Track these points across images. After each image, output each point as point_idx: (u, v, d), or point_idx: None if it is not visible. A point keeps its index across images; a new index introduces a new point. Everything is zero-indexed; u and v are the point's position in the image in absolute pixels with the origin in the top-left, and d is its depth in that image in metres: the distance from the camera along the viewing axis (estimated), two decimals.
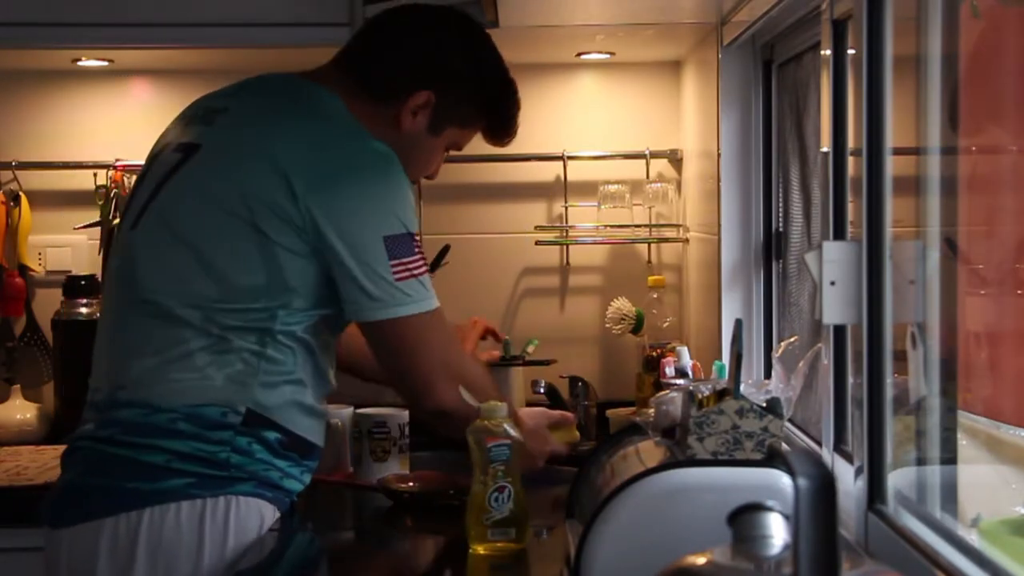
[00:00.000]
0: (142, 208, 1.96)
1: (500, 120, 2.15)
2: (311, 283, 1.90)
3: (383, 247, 1.88)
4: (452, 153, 3.14)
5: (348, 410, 2.45)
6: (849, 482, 1.59)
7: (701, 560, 0.99)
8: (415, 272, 1.92)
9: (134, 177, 2.50)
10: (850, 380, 1.66)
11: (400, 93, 2.01)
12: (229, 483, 1.87)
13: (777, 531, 0.98)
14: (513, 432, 1.86)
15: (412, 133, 2.04)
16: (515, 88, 2.16)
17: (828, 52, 1.79)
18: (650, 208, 3.13)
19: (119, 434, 1.87)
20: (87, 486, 1.89)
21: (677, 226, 3.12)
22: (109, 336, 1.98)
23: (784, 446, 1.66)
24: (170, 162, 1.96)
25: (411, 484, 2.26)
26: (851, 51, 1.67)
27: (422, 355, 1.96)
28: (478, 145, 3.17)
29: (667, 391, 1.81)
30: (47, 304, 3.10)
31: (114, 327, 1.97)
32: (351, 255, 1.88)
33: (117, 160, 3.05)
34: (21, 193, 3.11)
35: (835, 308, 1.54)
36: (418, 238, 1.94)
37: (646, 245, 3.18)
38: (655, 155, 3.15)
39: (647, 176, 3.14)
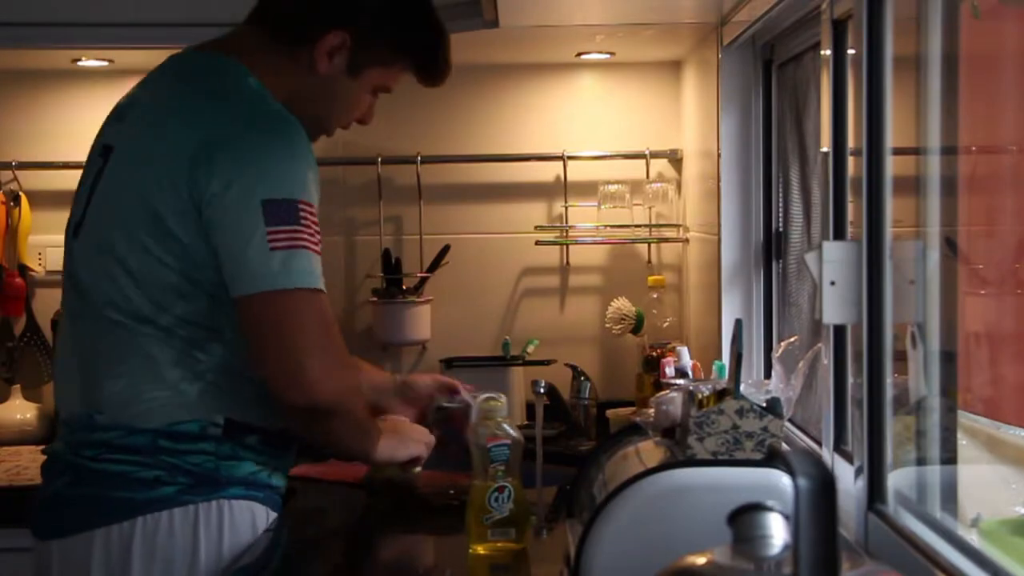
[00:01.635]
0: (80, 218, 1.92)
1: (426, 59, 2.02)
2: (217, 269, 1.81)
3: (260, 212, 1.74)
4: (452, 153, 3.17)
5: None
6: (849, 482, 1.59)
7: (701, 560, 0.99)
8: (296, 243, 1.74)
9: None
10: (850, 380, 1.66)
11: (312, 35, 1.91)
12: (221, 487, 1.85)
13: (777, 531, 0.98)
14: (513, 432, 1.86)
15: (331, 76, 1.93)
16: (439, 23, 2.02)
17: (828, 52, 1.79)
18: (650, 208, 3.13)
19: (103, 453, 1.84)
20: (75, 496, 1.85)
21: (677, 226, 3.12)
22: (73, 350, 1.92)
23: (784, 446, 1.66)
24: (95, 167, 1.93)
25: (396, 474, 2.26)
26: (851, 51, 1.67)
27: (294, 337, 1.76)
28: (478, 145, 3.19)
29: (667, 391, 1.81)
30: (47, 304, 3.11)
31: (76, 341, 1.92)
32: (226, 221, 1.76)
33: None
34: (21, 193, 3.11)
35: (835, 308, 1.54)
36: (308, 209, 1.77)
37: (646, 245, 3.18)
38: (655, 155, 3.15)
39: (647, 176, 3.14)
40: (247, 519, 1.88)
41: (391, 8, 1.97)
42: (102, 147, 1.93)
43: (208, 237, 1.78)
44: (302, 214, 1.76)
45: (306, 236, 1.76)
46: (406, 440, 2.05)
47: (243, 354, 1.83)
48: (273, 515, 1.93)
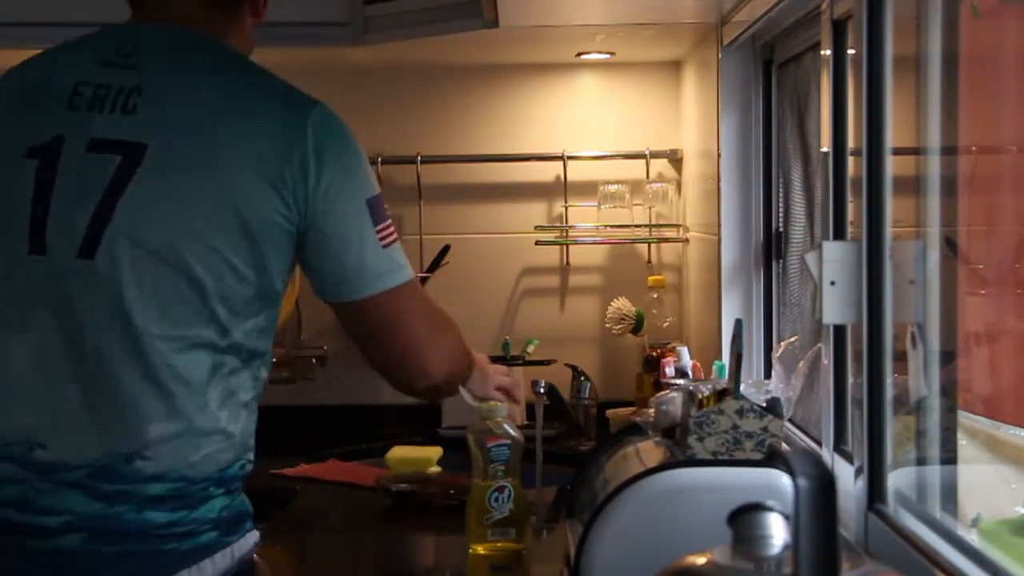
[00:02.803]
0: (98, 231, 1.63)
1: None
2: (283, 277, 1.72)
3: (368, 213, 1.70)
4: (452, 153, 3.17)
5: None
6: (849, 482, 1.59)
7: (701, 560, 0.99)
8: (394, 238, 1.74)
9: None
10: (850, 380, 1.66)
11: None
12: (243, 521, 1.73)
13: (777, 531, 0.98)
14: (513, 432, 1.86)
15: (258, 23, 1.86)
16: None
17: (828, 52, 1.79)
18: (650, 208, 3.13)
19: (144, 509, 1.62)
20: (106, 553, 1.62)
21: (677, 226, 3.12)
22: (85, 386, 1.64)
23: (784, 446, 1.66)
24: (108, 169, 1.64)
25: (411, 484, 2.26)
26: (851, 51, 1.67)
27: (417, 330, 1.78)
28: (478, 145, 3.19)
29: (667, 391, 1.82)
30: None
31: (83, 375, 1.64)
32: (339, 229, 1.69)
33: None
34: None
35: (835, 308, 1.54)
36: (383, 200, 1.75)
37: (646, 245, 3.18)
38: (655, 155, 3.15)
39: (647, 176, 3.14)
40: (255, 547, 1.76)
41: None
42: (108, 143, 1.66)
43: (300, 244, 1.68)
44: (385, 206, 1.75)
45: (393, 227, 1.75)
46: (489, 376, 2.07)
47: (263, 381, 1.74)
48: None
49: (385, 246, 1.72)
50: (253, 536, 1.74)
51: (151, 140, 1.65)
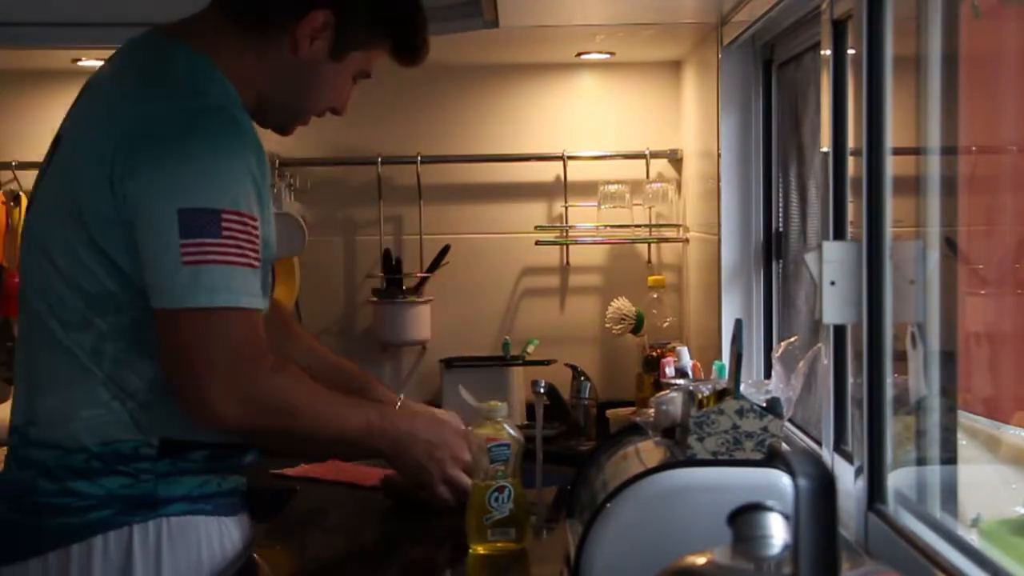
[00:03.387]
0: (27, 216, 1.85)
1: (407, 39, 1.92)
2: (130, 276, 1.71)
3: (176, 222, 1.61)
4: (452, 153, 3.17)
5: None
6: (849, 482, 1.59)
7: (701, 560, 0.99)
8: (212, 258, 1.62)
9: None
10: (850, 380, 1.66)
11: (294, 15, 1.77)
12: (159, 506, 1.73)
13: (777, 531, 0.98)
14: (513, 432, 1.86)
15: (312, 60, 1.81)
16: (418, 2, 1.92)
17: (828, 52, 1.79)
18: (650, 208, 3.13)
19: (37, 477, 1.74)
20: (14, 523, 1.76)
21: (677, 226, 3.12)
22: (21, 360, 1.84)
23: (784, 446, 1.66)
24: (46, 161, 1.82)
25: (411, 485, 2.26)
26: (851, 51, 1.67)
27: (195, 359, 1.65)
28: (478, 145, 3.19)
29: (667, 391, 1.81)
30: None
31: (23, 351, 1.83)
32: (146, 229, 1.64)
33: None
34: (21, 193, 3.11)
35: (835, 308, 1.54)
36: (232, 219, 1.63)
37: (646, 245, 3.18)
38: (655, 155, 3.15)
39: (647, 176, 3.14)
40: (191, 536, 1.76)
41: None
42: (56, 137, 1.82)
43: (132, 245, 1.67)
44: (224, 224, 1.63)
45: (227, 249, 1.63)
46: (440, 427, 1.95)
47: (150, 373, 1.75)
48: (230, 521, 1.82)
49: (187, 263, 1.62)
50: (184, 522, 1.75)
51: (63, 135, 1.80)
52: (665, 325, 3.00)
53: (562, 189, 3.16)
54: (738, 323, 1.80)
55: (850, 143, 1.67)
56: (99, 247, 1.68)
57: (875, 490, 1.53)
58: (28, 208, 1.86)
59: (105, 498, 1.72)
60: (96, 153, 1.68)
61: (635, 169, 3.15)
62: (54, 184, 1.77)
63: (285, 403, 1.74)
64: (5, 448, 1.85)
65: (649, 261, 3.19)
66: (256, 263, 1.68)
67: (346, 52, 1.84)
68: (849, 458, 1.65)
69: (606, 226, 3.16)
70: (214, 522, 1.78)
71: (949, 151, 1.44)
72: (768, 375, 1.90)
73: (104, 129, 1.70)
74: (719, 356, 2.39)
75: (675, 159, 3.16)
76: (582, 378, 2.96)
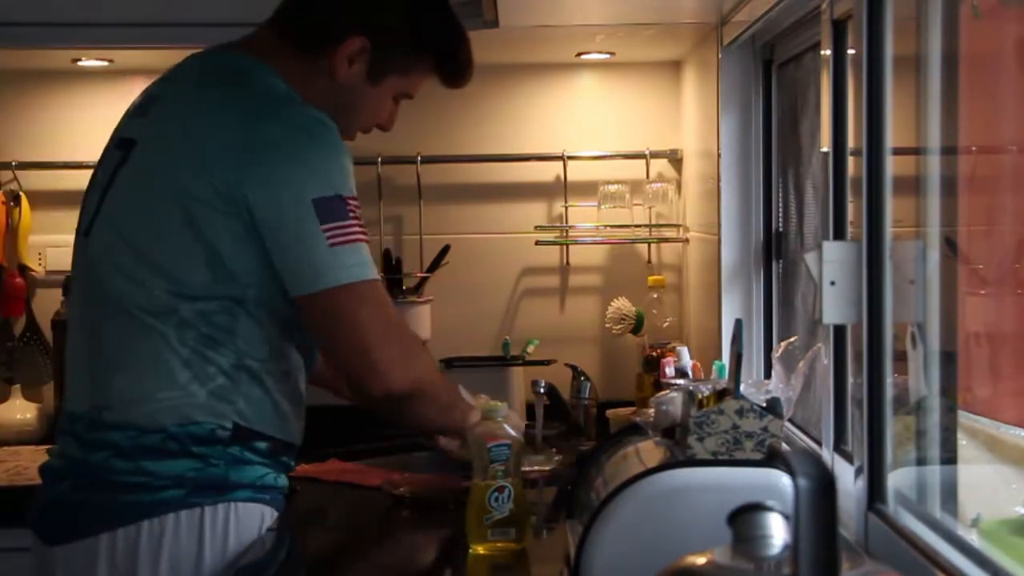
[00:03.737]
0: (94, 213, 1.91)
1: (447, 61, 2.03)
2: (255, 270, 1.82)
3: (312, 211, 1.77)
4: (452, 153, 3.17)
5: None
6: (849, 482, 1.59)
7: (701, 560, 0.99)
8: (350, 237, 1.80)
9: None
10: (850, 380, 1.66)
11: (332, 40, 1.91)
12: (228, 490, 1.85)
13: (777, 531, 0.98)
14: (513, 432, 1.86)
15: (350, 83, 1.94)
16: (458, 24, 2.04)
17: (828, 52, 1.79)
18: (650, 208, 3.13)
19: (111, 457, 1.83)
20: (81, 502, 1.84)
21: (677, 226, 3.12)
22: (85, 348, 1.91)
23: (784, 446, 1.66)
24: (112, 161, 1.91)
25: (410, 487, 2.27)
26: (851, 51, 1.67)
27: (364, 330, 1.81)
28: (478, 145, 3.19)
29: (667, 391, 1.81)
30: (47, 304, 3.11)
31: (89, 338, 1.90)
32: (281, 223, 1.79)
33: None
34: (21, 193, 3.11)
35: (835, 308, 1.54)
36: (353, 203, 1.82)
37: (646, 245, 3.18)
38: (655, 155, 3.15)
39: (647, 176, 3.14)
40: (254, 522, 1.87)
41: (410, 12, 1.97)
42: (119, 140, 1.92)
43: (253, 238, 1.80)
44: (350, 208, 1.81)
45: (357, 229, 1.81)
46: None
47: (258, 360, 1.86)
48: (276, 515, 1.92)
49: (332, 245, 1.78)
50: (249, 508, 1.86)
51: (139, 137, 1.89)
52: (665, 325, 3.00)
53: (562, 189, 3.16)
54: (738, 323, 1.80)
55: (850, 143, 1.67)
56: (202, 234, 1.79)
57: (875, 490, 1.53)
58: (95, 212, 1.91)
59: (178, 479, 1.81)
60: (202, 154, 1.80)
61: (635, 169, 3.15)
62: (142, 181, 1.86)
63: (434, 372, 1.96)
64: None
65: (649, 261, 3.19)
66: (368, 240, 1.86)
67: (384, 76, 1.96)
68: (849, 458, 1.65)
69: (606, 226, 3.16)
70: (271, 513, 1.90)
71: (949, 151, 1.44)
72: (768, 375, 1.90)
73: (209, 132, 1.82)
74: (719, 356, 2.39)
75: (675, 159, 3.16)
76: (582, 378, 2.95)
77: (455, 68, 2.04)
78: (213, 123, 1.83)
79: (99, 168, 1.95)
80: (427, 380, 1.93)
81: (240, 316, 1.84)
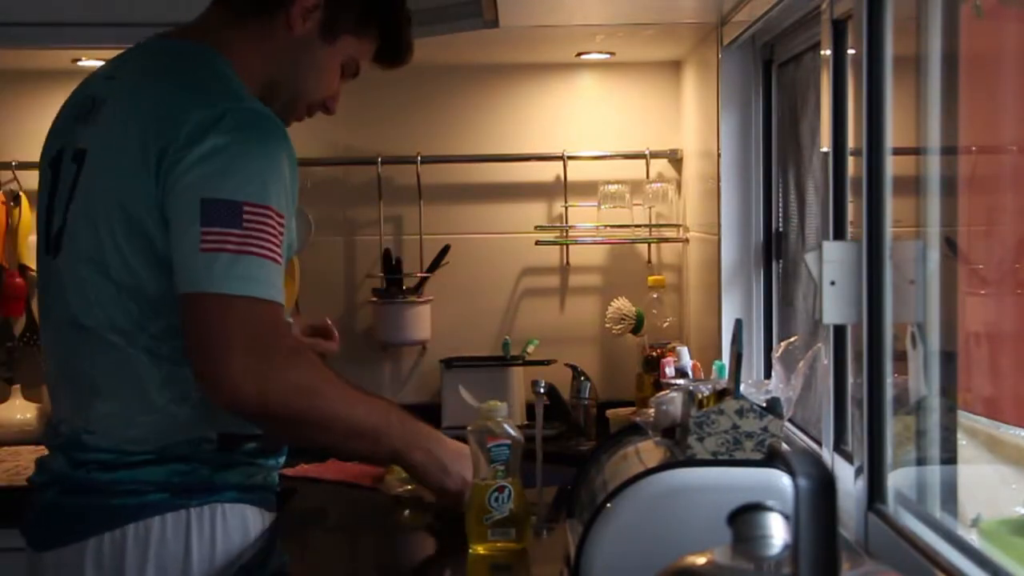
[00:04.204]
0: (59, 229, 1.83)
1: (394, 39, 2.03)
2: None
3: (198, 210, 1.67)
4: (452, 153, 3.17)
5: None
6: (849, 482, 1.59)
7: (701, 560, 0.99)
8: (230, 247, 1.66)
9: None
10: (850, 380, 1.66)
11: None
12: (214, 492, 1.83)
13: (777, 531, 0.98)
14: (513, 432, 1.85)
15: (306, 40, 1.90)
16: (407, 11, 2.06)
17: (828, 52, 1.79)
18: (650, 208, 3.13)
19: (95, 470, 1.81)
20: (66, 508, 1.83)
21: (677, 226, 3.12)
22: (61, 370, 1.87)
23: (784, 446, 1.66)
24: (70, 175, 1.83)
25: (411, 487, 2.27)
26: (851, 51, 1.67)
27: (212, 340, 1.68)
28: (478, 145, 3.19)
29: (667, 391, 1.81)
30: None
31: (65, 361, 1.86)
32: (174, 218, 1.71)
33: None
34: (21, 193, 3.11)
35: (835, 308, 1.54)
36: (256, 213, 1.68)
37: (646, 245, 3.18)
38: (655, 155, 3.15)
39: (647, 176, 3.14)
40: (239, 523, 1.85)
41: None
42: (77, 152, 1.83)
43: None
44: (245, 217, 1.67)
45: (249, 241, 1.67)
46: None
47: None
48: (268, 515, 1.91)
49: (201, 249, 1.67)
50: (236, 509, 1.84)
51: (89, 147, 1.82)
52: (665, 325, 3.00)
53: (562, 189, 3.16)
54: (738, 323, 1.80)
55: (850, 143, 1.67)
56: (155, 249, 1.74)
57: (875, 490, 1.53)
58: (60, 228, 1.83)
59: (163, 484, 1.80)
60: (141, 156, 1.73)
61: (635, 169, 3.15)
62: (97, 195, 1.78)
63: (304, 384, 1.75)
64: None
65: (649, 261, 3.19)
66: (279, 258, 1.71)
67: (338, 35, 1.95)
68: (849, 458, 1.65)
69: (606, 226, 3.16)
70: (258, 513, 1.89)
71: (949, 151, 1.44)
72: (768, 375, 1.89)
73: (145, 132, 1.74)
74: (719, 356, 2.39)
75: (675, 159, 3.16)
76: (582, 378, 2.96)
77: (398, 44, 2.05)
78: (149, 122, 1.75)
79: (51, 183, 1.87)
80: (298, 406, 1.74)
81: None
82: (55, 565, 1.83)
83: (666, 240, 3.15)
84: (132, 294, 1.76)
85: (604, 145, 3.19)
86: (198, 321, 1.69)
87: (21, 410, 3.07)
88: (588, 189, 3.13)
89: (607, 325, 3.03)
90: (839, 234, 1.73)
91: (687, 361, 2.35)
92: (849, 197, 1.70)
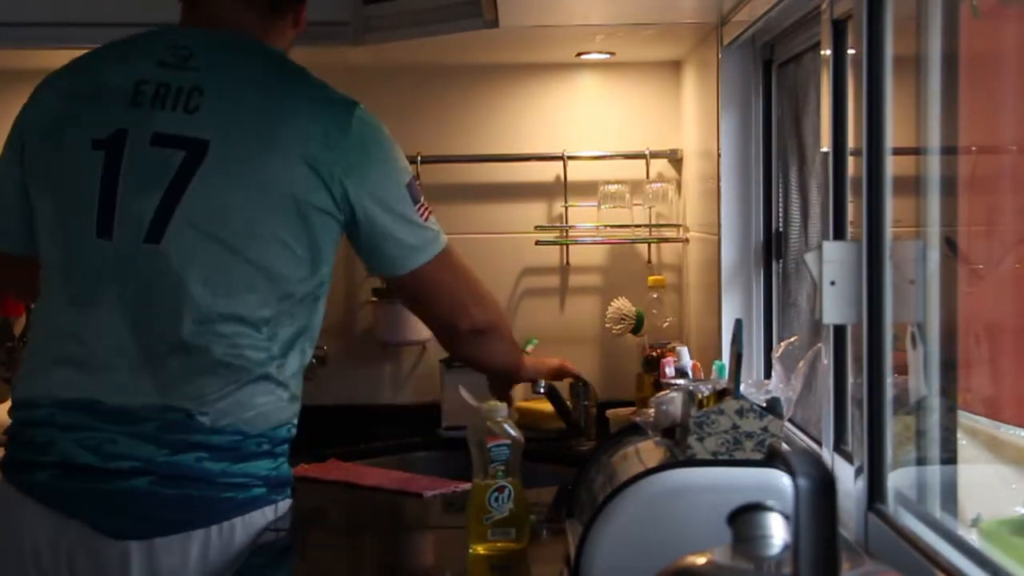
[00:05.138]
0: (155, 218, 1.84)
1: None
2: (332, 264, 1.96)
3: (408, 194, 1.96)
4: (452, 153, 3.17)
5: None
6: (849, 482, 1.59)
7: (701, 560, 0.99)
8: (429, 207, 2.01)
9: None
10: (850, 380, 1.66)
11: None
12: (287, 486, 1.97)
13: (777, 531, 0.98)
14: (513, 432, 1.86)
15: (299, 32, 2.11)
16: None
17: (828, 52, 1.79)
18: (650, 208, 3.13)
19: (204, 459, 1.84)
20: (169, 498, 1.84)
21: (677, 226, 3.12)
22: (135, 341, 1.86)
23: (784, 446, 1.66)
24: (172, 162, 1.85)
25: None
26: (851, 51, 1.67)
27: (463, 281, 2.08)
28: (478, 145, 3.19)
29: (667, 391, 1.81)
30: None
31: (145, 333, 1.86)
32: (387, 213, 1.93)
33: None
34: None
35: (835, 308, 1.54)
36: (416, 183, 2.02)
37: (646, 245, 3.18)
38: (655, 155, 3.15)
39: (647, 176, 3.14)
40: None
41: None
42: (175, 138, 1.85)
43: (341, 231, 1.93)
44: (417, 188, 2.01)
45: (428, 207, 2.02)
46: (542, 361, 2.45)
47: (311, 356, 1.98)
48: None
49: (424, 221, 1.99)
50: (288, 503, 1.97)
51: (213, 137, 1.85)
52: (665, 325, 3.00)
53: (562, 189, 3.16)
54: (738, 323, 1.80)
55: (850, 143, 1.67)
56: (313, 237, 1.89)
57: (875, 490, 1.53)
58: (165, 218, 1.85)
59: (261, 477, 1.90)
60: (295, 155, 1.86)
61: (635, 169, 3.15)
62: (239, 188, 1.86)
63: (503, 316, 2.23)
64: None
65: (649, 261, 3.19)
66: None
67: (300, 19, 2.11)
68: (849, 458, 1.65)
69: (606, 226, 3.16)
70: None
71: (949, 151, 1.44)
72: (768, 375, 1.90)
73: (292, 128, 1.88)
74: (719, 356, 2.39)
75: (675, 159, 3.16)
76: (581, 383, 2.95)
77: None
78: (294, 120, 1.89)
79: (140, 165, 1.86)
80: (500, 322, 2.19)
81: (314, 312, 1.96)
82: (145, 555, 1.83)
83: (666, 240, 3.15)
84: (274, 281, 1.87)
85: (604, 145, 3.19)
86: (445, 277, 2.04)
87: None
88: (588, 189, 3.13)
89: (607, 325, 3.03)
90: (839, 234, 1.73)
91: (687, 361, 2.35)
92: (849, 197, 1.70)
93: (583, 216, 3.17)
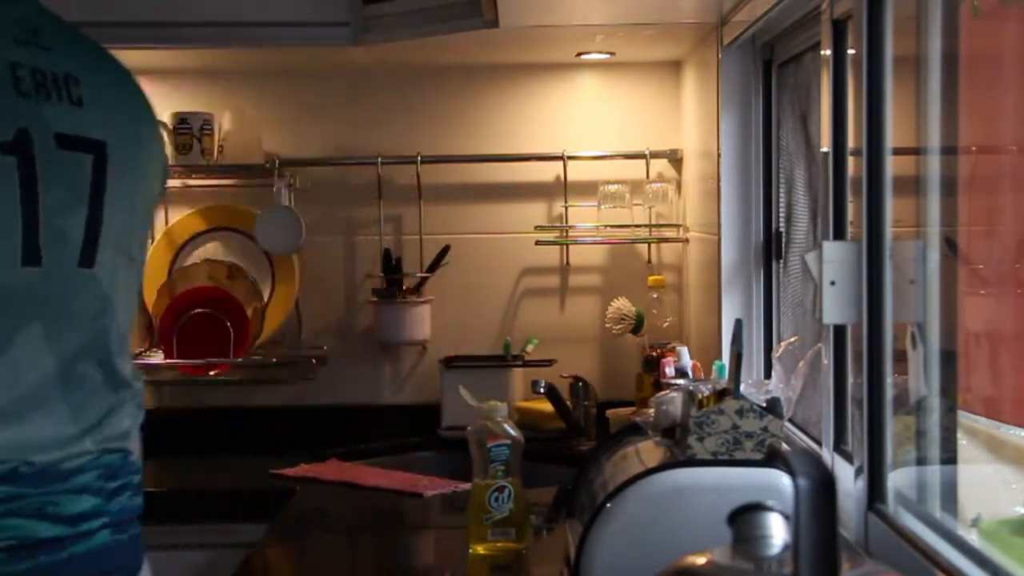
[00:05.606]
0: (85, 237, 1.54)
1: None
2: None
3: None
4: (452, 153, 3.17)
5: None
6: (849, 482, 1.59)
7: (701, 560, 0.99)
8: None
9: None
10: (850, 380, 1.66)
11: None
12: None
13: (777, 531, 0.98)
14: (513, 432, 1.86)
15: None
16: None
17: (828, 52, 1.79)
18: (650, 208, 3.13)
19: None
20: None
21: (677, 226, 3.12)
22: (58, 386, 1.52)
23: (784, 446, 1.66)
24: (86, 169, 1.55)
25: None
26: (851, 51, 1.67)
27: None
28: (478, 145, 3.19)
29: (667, 391, 1.82)
30: None
31: (63, 380, 1.52)
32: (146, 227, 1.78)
33: None
34: None
35: (835, 308, 1.54)
36: None
37: (646, 245, 3.18)
38: (655, 155, 3.15)
39: (647, 176, 3.14)
40: None
41: None
42: (78, 140, 1.54)
43: None
44: None
45: None
46: None
47: None
48: None
49: None
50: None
51: (106, 138, 1.57)
52: (665, 325, 3.00)
53: (562, 189, 3.16)
54: (738, 323, 1.80)
55: (850, 143, 1.67)
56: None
57: (875, 490, 1.53)
58: (95, 229, 1.57)
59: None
60: (159, 157, 1.74)
61: (635, 169, 3.15)
62: (131, 196, 1.63)
63: None
64: None
65: (649, 261, 3.19)
66: None
67: None
68: (849, 458, 1.65)
69: (606, 226, 3.16)
70: None
71: (949, 151, 1.44)
72: (768, 375, 1.90)
73: (150, 135, 1.73)
74: (719, 356, 2.39)
75: (675, 159, 3.16)
76: (580, 384, 2.96)
77: None
78: (143, 109, 1.70)
79: (54, 173, 1.51)
80: None
81: None
82: None
83: (666, 240, 3.15)
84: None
85: (604, 145, 3.18)
86: None
87: None
88: (588, 189, 3.13)
89: (607, 325, 3.03)
90: (839, 234, 1.73)
91: (687, 361, 2.35)
92: (849, 197, 1.70)
93: (583, 216, 3.17)
